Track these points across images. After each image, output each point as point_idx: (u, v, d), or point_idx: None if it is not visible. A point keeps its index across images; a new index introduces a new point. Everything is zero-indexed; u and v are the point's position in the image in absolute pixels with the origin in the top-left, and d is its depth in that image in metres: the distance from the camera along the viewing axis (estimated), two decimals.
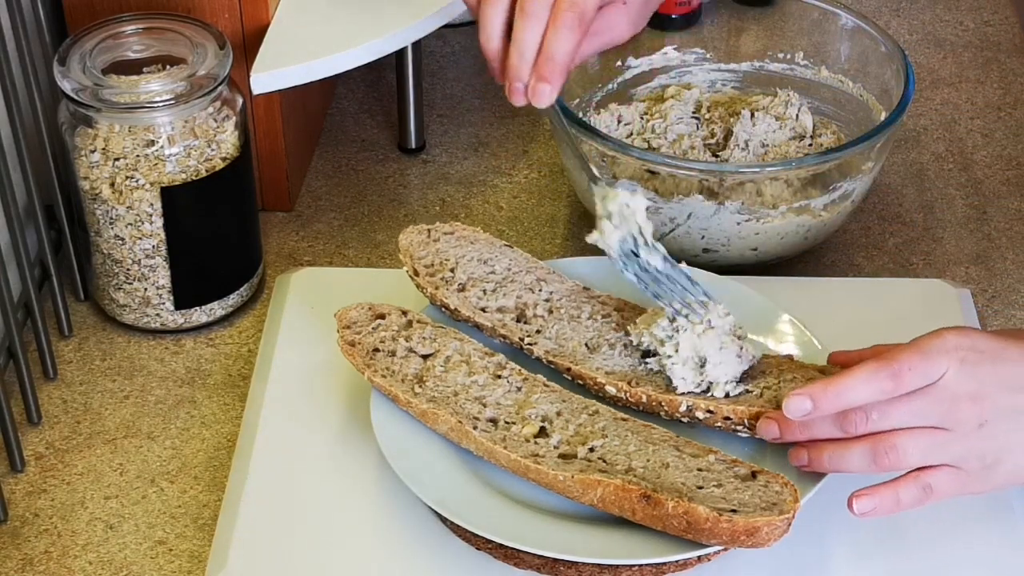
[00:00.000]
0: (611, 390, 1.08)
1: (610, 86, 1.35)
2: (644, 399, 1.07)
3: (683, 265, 1.10)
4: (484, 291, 1.14)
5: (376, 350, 1.10)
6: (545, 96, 1.05)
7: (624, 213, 1.08)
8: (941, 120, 1.43)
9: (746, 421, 1.05)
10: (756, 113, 1.30)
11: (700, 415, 1.06)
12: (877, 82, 1.29)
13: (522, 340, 1.11)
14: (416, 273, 1.14)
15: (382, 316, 1.12)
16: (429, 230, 1.17)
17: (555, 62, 1.04)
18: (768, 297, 1.16)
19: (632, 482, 1.00)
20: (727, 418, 1.05)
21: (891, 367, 0.97)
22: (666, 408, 1.07)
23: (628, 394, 1.08)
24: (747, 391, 1.07)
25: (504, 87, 1.06)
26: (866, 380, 0.97)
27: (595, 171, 1.11)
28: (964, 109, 1.45)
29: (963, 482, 0.99)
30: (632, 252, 1.09)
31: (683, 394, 1.07)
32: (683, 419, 1.07)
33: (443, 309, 1.14)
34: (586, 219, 1.32)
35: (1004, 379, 0.97)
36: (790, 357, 1.10)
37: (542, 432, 1.05)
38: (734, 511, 0.97)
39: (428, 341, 1.11)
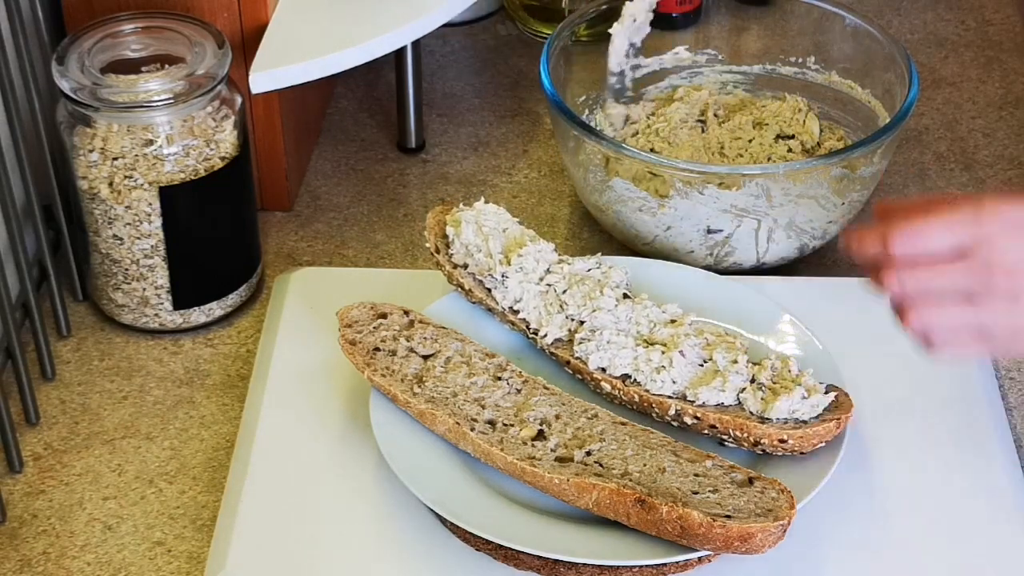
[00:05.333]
0: (606, 387, 1.08)
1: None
2: (636, 398, 1.07)
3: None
4: None
5: (377, 349, 1.09)
6: None
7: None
8: (943, 119, 1.43)
9: (731, 431, 1.05)
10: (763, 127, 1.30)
11: (688, 420, 1.06)
12: (880, 83, 1.29)
13: (527, 327, 1.12)
14: (437, 251, 1.14)
15: (384, 315, 1.12)
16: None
17: None
18: (768, 297, 1.16)
19: (627, 486, 0.99)
20: (712, 426, 1.05)
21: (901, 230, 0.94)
22: (656, 410, 1.07)
23: (622, 392, 1.08)
24: (737, 404, 1.07)
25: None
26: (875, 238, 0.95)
27: None
28: (966, 108, 1.44)
29: (985, 346, 0.96)
30: None
31: (671, 398, 1.07)
32: (673, 423, 1.07)
33: (457, 288, 1.15)
34: (586, 219, 1.32)
35: None
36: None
37: (540, 435, 1.05)
38: (728, 517, 0.97)
39: (429, 341, 1.11)
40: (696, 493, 0.99)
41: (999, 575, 1.02)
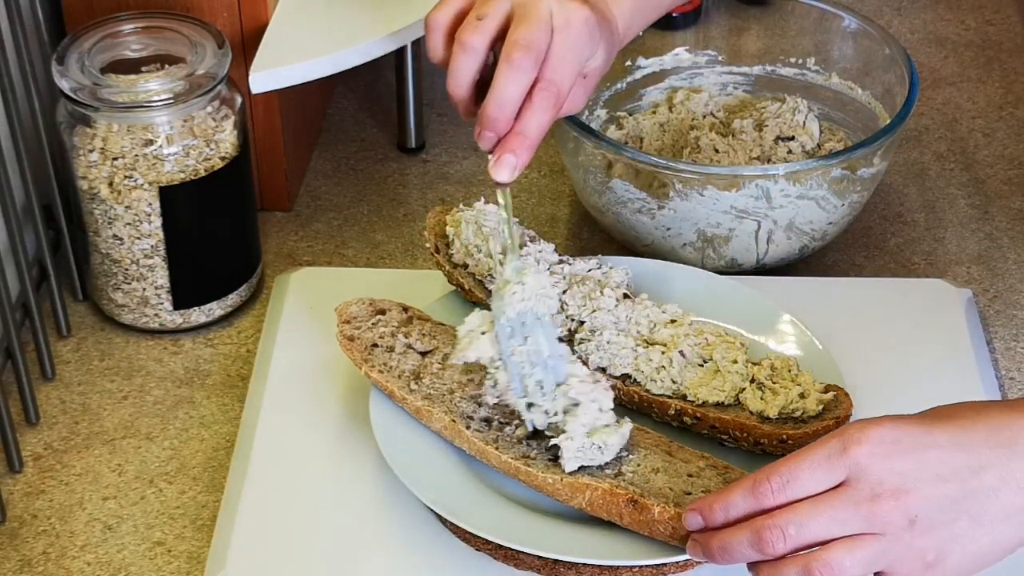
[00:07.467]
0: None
1: (619, 85, 1.35)
2: (636, 398, 1.07)
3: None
4: None
5: (375, 345, 1.09)
6: (507, 169, 1.00)
7: (539, 292, 1.02)
8: (943, 119, 1.43)
9: (731, 431, 1.05)
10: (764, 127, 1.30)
11: (688, 420, 1.07)
12: (881, 84, 1.29)
13: None
14: (437, 250, 1.14)
15: (382, 312, 1.12)
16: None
17: (526, 137, 1.00)
18: (768, 297, 1.16)
19: (620, 486, 0.99)
20: (712, 426, 1.05)
21: (770, 481, 0.90)
22: (656, 410, 1.07)
23: (622, 392, 1.08)
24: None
25: (474, 129, 1.02)
26: (744, 495, 0.91)
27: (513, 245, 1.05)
28: (966, 108, 1.44)
29: None
30: (522, 323, 1.02)
31: (671, 398, 1.07)
32: (673, 423, 1.07)
33: (458, 289, 1.15)
34: (586, 219, 1.32)
35: (929, 468, 0.89)
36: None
37: (535, 434, 1.04)
38: None
39: (427, 338, 1.11)
40: (689, 494, 0.99)
41: (998, 574, 1.02)
